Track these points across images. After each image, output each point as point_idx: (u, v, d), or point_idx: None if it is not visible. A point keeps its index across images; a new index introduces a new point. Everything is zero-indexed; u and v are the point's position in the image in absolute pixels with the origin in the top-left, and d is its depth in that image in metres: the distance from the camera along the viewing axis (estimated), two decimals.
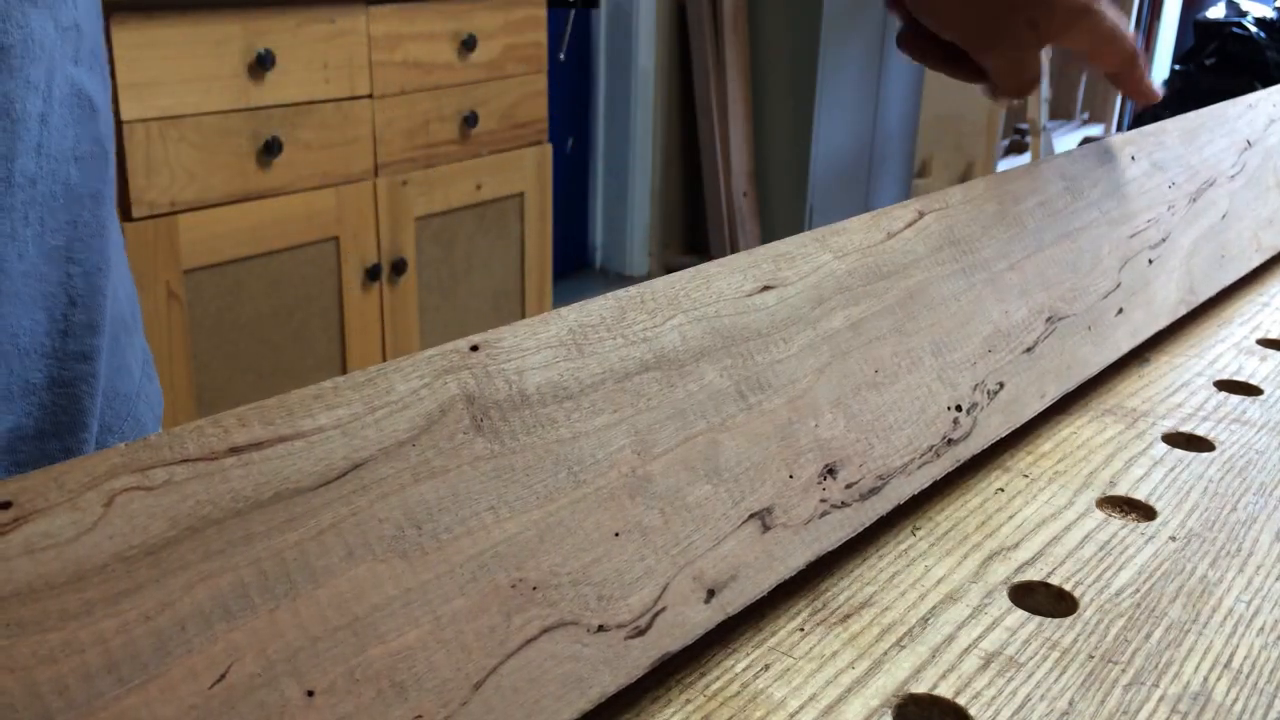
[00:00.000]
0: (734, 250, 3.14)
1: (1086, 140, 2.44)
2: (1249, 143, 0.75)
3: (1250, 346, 0.59)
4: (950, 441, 0.44)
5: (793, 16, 3.06)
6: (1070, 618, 0.36)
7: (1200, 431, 0.50)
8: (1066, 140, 3.92)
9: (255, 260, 1.62)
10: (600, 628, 0.31)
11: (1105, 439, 0.49)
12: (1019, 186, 0.54)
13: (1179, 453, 0.48)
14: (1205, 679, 0.33)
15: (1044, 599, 0.38)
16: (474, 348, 0.31)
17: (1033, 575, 0.39)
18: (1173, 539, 0.41)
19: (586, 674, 0.30)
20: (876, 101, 3.33)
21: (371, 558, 0.27)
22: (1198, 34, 3.47)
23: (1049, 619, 0.36)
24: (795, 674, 0.34)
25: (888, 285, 0.44)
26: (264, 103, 1.58)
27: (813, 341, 0.40)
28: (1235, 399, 0.53)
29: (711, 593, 0.34)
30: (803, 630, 0.36)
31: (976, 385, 0.46)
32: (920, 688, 0.33)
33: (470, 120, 1.89)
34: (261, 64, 1.55)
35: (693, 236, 3.35)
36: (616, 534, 0.32)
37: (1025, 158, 3.62)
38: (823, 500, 0.38)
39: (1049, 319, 0.52)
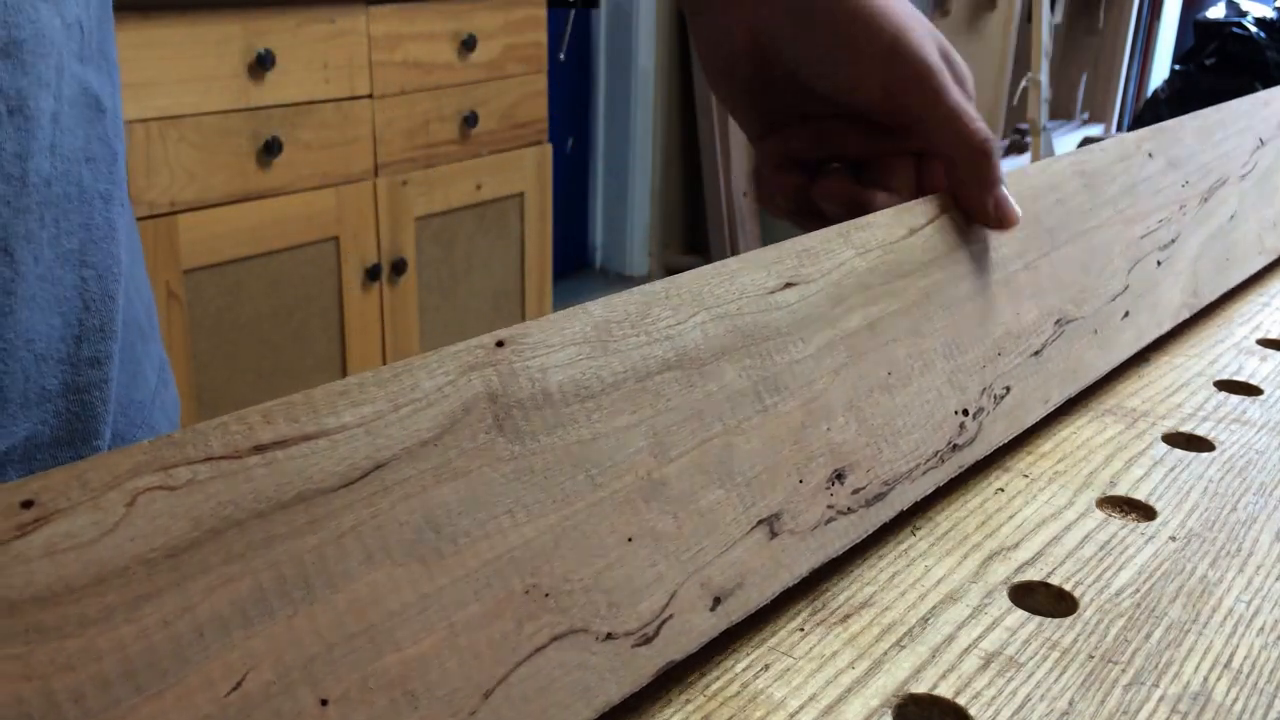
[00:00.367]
0: (734, 251, 3.14)
1: (1087, 140, 2.44)
2: (1261, 141, 0.74)
3: (1250, 346, 0.59)
4: (955, 447, 0.44)
5: None
6: (1070, 618, 0.36)
7: (1200, 431, 0.50)
8: (1066, 140, 3.92)
9: (255, 260, 1.61)
10: (609, 635, 0.31)
11: (1105, 439, 0.49)
12: (1039, 182, 0.53)
13: (1179, 453, 0.48)
14: (1205, 679, 0.33)
15: (1044, 599, 0.38)
16: (499, 343, 0.31)
17: (1033, 575, 0.39)
18: (1173, 539, 0.41)
19: (594, 683, 0.30)
20: None
21: (390, 562, 0.27)
22: (1198, 34, 3.47)
23: (1049, 619, 0.36)
24: (795, 674, 0.34)
25: (906, 284, 0.44)
26: (264, 103, 1.58)
27: (831, 341, 0.40)
28: (1235, 399, 0.53)
29: (718, 600, 0.34)
30: (803, 630, 0.36)
31: (984, 389, 0.46)
32: (920, 688, 0.33)
33: (470, 120, 1.89)
34: (261, 64, 1.55)
35: (693, 236, 3.35)
36: (630, 539, 0.32)
37: (1025, 158, 3.62)
38: (829, 506, 0.38)
39: (1058, 321, 0.51)
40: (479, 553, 0.28)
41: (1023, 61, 3.50)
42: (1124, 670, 0.34)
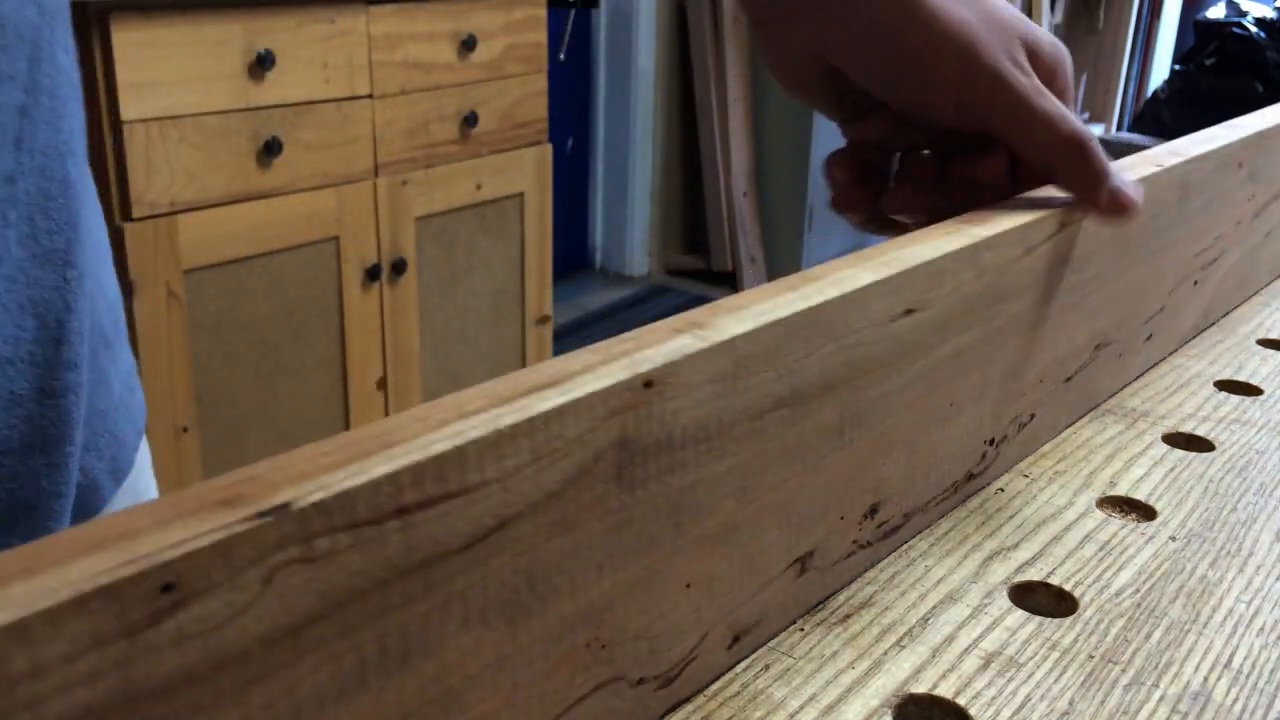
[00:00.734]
0: (734, 251, 3.14)
1: None
2: None
3: (1250, 346, 0.59)
4: (970, 476, 0.44)
5: None
6: (1070, 618, 0.36)
7: (1200, 431, 0.50)
8: None
9: (255, 260, 1.61)
10: (640, 680, 0.30)
11: (1105, 439, 0.49)
12: (1147, 196, 0.48)
13: (1179, 453, 0.48)
14: (1205, 679, 0.33)
15: (1044, 599, 0.38)
16: (648, 384, 0.28)
17: (1033, 575, 0.39)
18: (1173, 539, 0.41)
19: None
20: None
21: (482, 625, 0.25)
22: (1198, 34, 3.47)
23: (1049, 619, 0.36)
24: (795, 674, 0.34)
25: (1001, 309, 0.42)
26: (264, 103, 1.58)
27: (920, 373, 0.38)
28: (1235, 399, 0.53)
29: (736, 638, 0.34)
30: (803, 630, 0.36)
31: (1014, 418, 0.45)
32: (920, 688, 0.33)
33: (470, 120, 1.89)
34: (261, 64, 1.55)
35: (693, 236, 3.35)
36: (688, 585, 0.31)
37: None
38: (854, 541, 0.38)
39: (1097, 346, 0.50)
40: (560, 610, 0.27)
41: None
42: (1124, 670, 0.34)
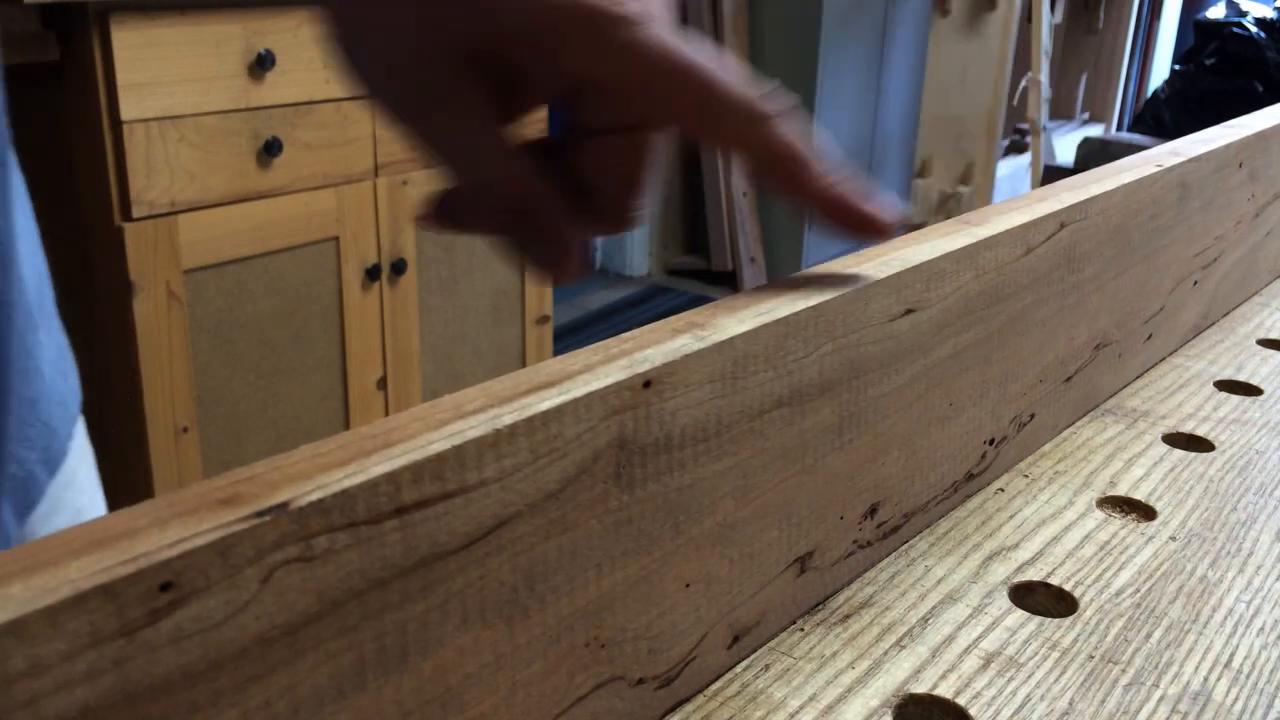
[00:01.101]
0: (734, 251, 3.14)
1: (1087, 140, 2.43)
2: None
3: (1250, 346, 0.59)
4: (970, 476, 0.44)
5: (793, 16, 3.06)
6: (1070, 618, 0.36)
7: (1200, 431, 0.50)
8: (1067, 140, 3.92)
9: (255, 260, 1.61)
10: (640, 680, 0.30)
11: (1105, 439, 0.49)
12: (1146, 196, 0.50)
13: (1179, 453, 0.48)
14: (1205, 679, 0.33)
15: (1044, 599, 0.38)
16: (647, 384, 0.28)
17: (1033, 575, 0.39)
18: (1173, 539, 0.41)
19: None
20: (876, 101, 3.33)
21: (481, 624, 0.25)
22: (1198, 34, 3.46)
23: (1049, 619, 0.36)
24: (795, 674, 0.34)
25: (1000, 309, 0.42)
26: (264, 103, 1.58)
27: (918, 373, 0.38)
28: (1235, 399, 0.53)
29: (736, 638, 0.34)
30: (803, 630, 0.36)
31: (1014, 418, 0.45)
32: (920, 688, 0.33)
33: None
34: (261, 64, 1.55)
35: (693, 236, 3.35)
36: (688, 585, 0.31)
37: (1025, 158, 3.62)
38: (854, 540, 0.38)
39: (1097, 346, 0.50)
40: (559, 609, 0.27)
41: (1023, 61, 3.50)
42: (1124, 670, 0.34)
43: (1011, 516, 0.43)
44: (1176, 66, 3.26)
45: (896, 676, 0.33)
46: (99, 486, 0.50)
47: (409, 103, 0.33)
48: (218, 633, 0.20)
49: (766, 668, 0.34)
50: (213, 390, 1.59)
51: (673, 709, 0.32)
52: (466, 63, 0.31)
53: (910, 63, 3.43)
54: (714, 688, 0.33)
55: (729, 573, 0.33)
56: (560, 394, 0.26)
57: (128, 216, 1.45)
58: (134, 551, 0.19)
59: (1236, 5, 3.52)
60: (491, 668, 0.26)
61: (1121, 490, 0.45)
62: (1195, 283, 0.58)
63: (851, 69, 3.19)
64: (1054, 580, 0.38)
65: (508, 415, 0.25)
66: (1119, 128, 4.50)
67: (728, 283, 3.20)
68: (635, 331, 0.30)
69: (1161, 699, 0.33)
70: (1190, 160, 0.53)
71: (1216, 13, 3.51)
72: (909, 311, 0.37)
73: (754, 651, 0.35)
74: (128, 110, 1.42)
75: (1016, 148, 3.86)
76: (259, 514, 0.21)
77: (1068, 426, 0.50)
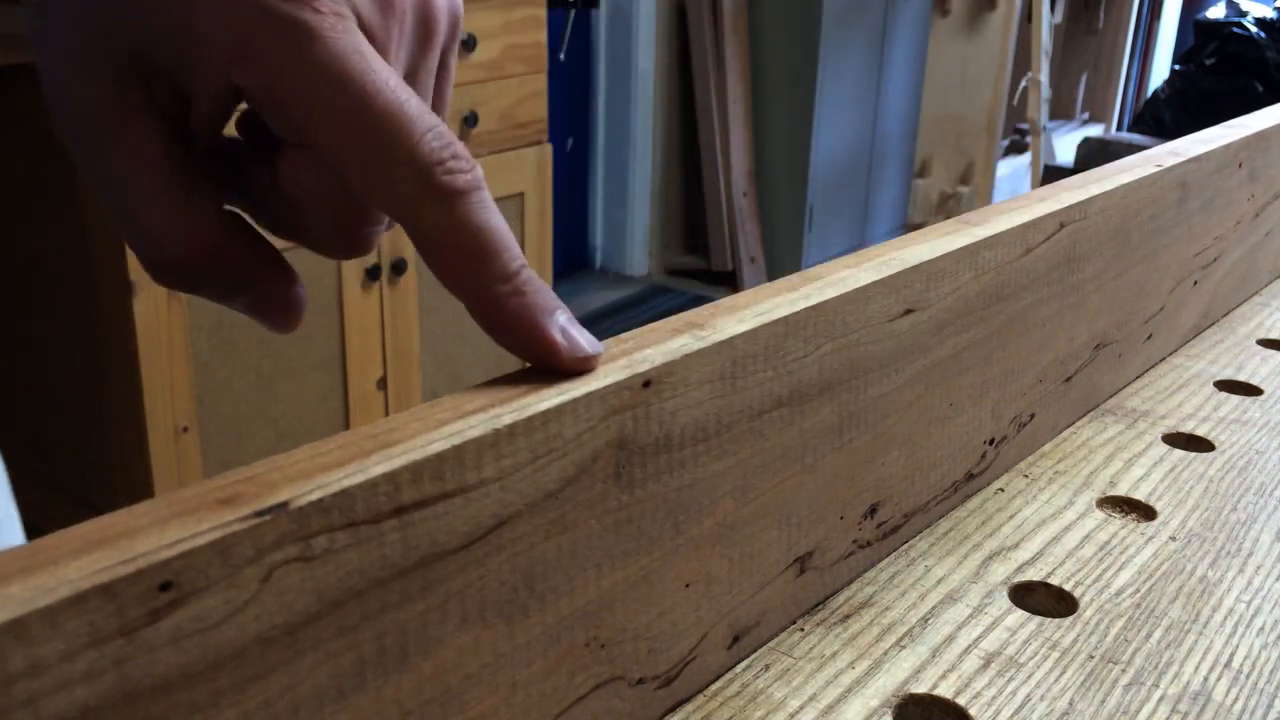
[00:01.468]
0: (734, 251, 3.14)
1: (1087, 140, 2.43)
2: None
3: (1250, 346, 0.59)
4: (970, 476, 0.44)
5: (793, 16, 3.06)
6: (1070, 618, 0.36)
7: (1200, 431, 0.50)
8: (1067, 140, 3.92)
9: None
10: (639, 680, 0.30)
11: (1105, 439, 0.49)
12: (1146, 196, 0.50)
13: (1179, 453, 0.48)
14: (1205, 679, 0.33)
15: (1044, 599, 0.38)
16: (646, 384, 0.28)
17: (1033, 575, 0.39)
18: (1173, 539, 0.41)
19: None
20: (876, 101, 3.33)
21: (481, 624, 0.25)
22: (1198, 34, 3.46)
23: (1049, 619, 0.36)
24: (795, 674, 0.34)
25: (1000, 309, 0.42)
26: None
27: (918, 373, 0.38)
28: (1235, 399, 0.53)
29: (736, 638, 0.34)
30: (803, 630, 0.36)
31: (1014, 418, 0.45)
32: (920, 688, 0.33)
33: (470, 120, 1.89)
34: None
35: (693, 236, 3.35)
36: (687, 585, 0.31)
37: (1025, 158, 3.62)
38: (854, 541, 0.38)
39: (1097, 346, 0.50)
40: (559, 609, 0.27)
41: (1023, 61, 3.50)
42: (1124, 670, 0.34)
43: (1011, 516, 0.43)
44: (1176, 66, 3.26)
45: (896, 676, 0.33)
46: (11, 498, 0.48)
47: (73, 127, 0.27)
48: (217, 632, 0.20)
49: (766, 668, 0.34)
50: (213, 390, 1.59)
51: (673, 709, 0.32)
52: (131, 70, 0.26)
53: (910, 63, 3.43)
54: (714, 688, 0.33)
55: (729, 573, 0.33)
56: (560, 394, 0.26)
57: None
58: (134, 551, 0.19)
59: (1236, 5, 3.52)
60: (491, 668, 0.26)
61: (1121, 490, 0.45)
62: (1195, 283, 0.58)
63: (851, 69, 3.19)
64: (1054, 580, 0.38)
65: (507, 415, 0.25)
66: (1119, 128, 4.50)
67: (728, 283, 3.20)
68: (635, 331, 0.30)
69: (1161, 699, 0.33)
70: (1190, 160, 0.53)
71: (1216, 13, 3.51)
72: (909, 311, 0.37)
73: (754, 651, 0.35)
74: None
75: (1016, 148, 3.86)
76: (259, 514, 0.21)
77: (1068, 426, 0.50)
